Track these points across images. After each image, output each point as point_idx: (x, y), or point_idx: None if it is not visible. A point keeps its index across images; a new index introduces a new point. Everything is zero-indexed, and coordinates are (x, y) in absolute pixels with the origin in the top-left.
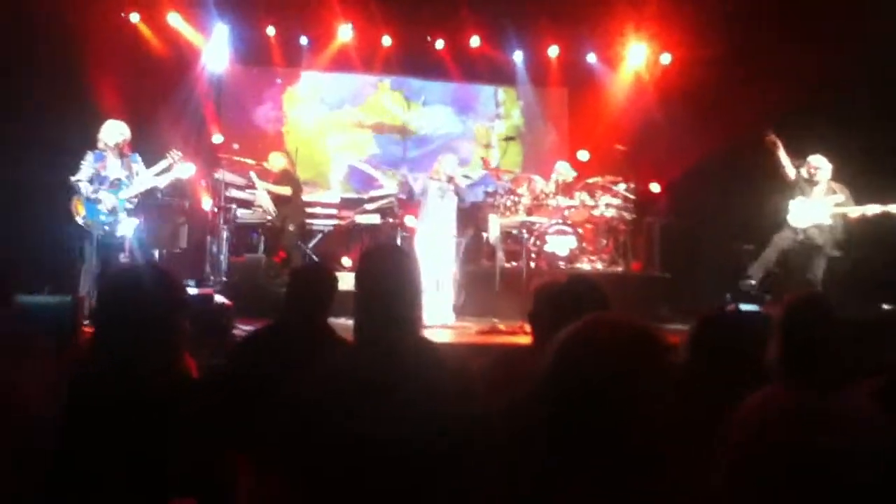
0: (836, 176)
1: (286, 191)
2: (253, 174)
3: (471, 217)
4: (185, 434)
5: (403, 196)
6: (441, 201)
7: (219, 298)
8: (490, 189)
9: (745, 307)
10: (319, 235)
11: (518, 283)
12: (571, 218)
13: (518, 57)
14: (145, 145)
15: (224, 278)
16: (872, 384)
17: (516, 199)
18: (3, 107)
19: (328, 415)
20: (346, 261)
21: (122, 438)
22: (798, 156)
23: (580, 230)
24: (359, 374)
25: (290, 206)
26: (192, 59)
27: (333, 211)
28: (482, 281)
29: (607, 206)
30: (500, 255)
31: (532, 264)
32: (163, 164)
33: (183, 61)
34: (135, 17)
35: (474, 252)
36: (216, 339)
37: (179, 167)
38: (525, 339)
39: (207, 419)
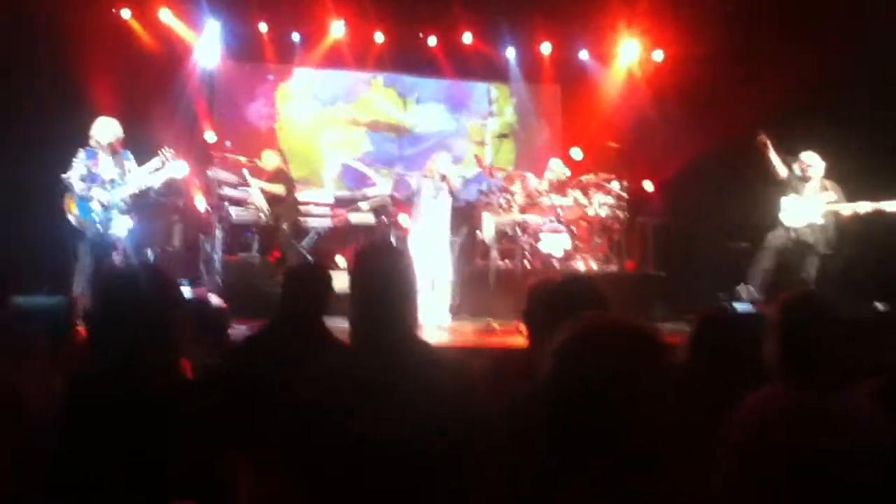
0: (831, 174)
1: (280, 189)
2: (246, 172)
3: (465, 216)
4: (184, 434)
5: (398, 195)
6: (435, 200)
7: (213, 298)
8: (483, 187)
9: (739, 307)
10: (314, 234)
11: (513, 283)
12: (565, 216)
13: (511, 54)
14: (137, 143)
15: (218, 278)
16: (871, 384)
17: (510, 197)
18: None
19: (325, 415)
20: (341, 260)
21: (120, 439)
22: (793, 153)
23: (574, 229)
24: (355, 375)
25: (283, 204)
26: (184, 56)
27: (327, 210)
28: (477, 280)
29: (601, 204)
30: (495, 254)
31: (526, 263)
32: (155, 163)
33: (174, 58)
34: (126, 14)
35: (469, 251)
36: (211, 339)
37: (172, 165)
38: (520, 340)
39: (205, 419)
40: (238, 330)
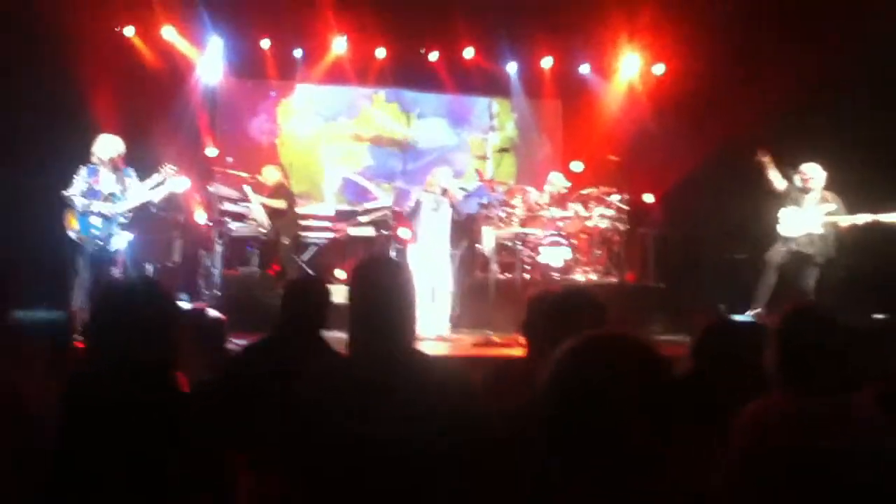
0: (832, 183)
1: (281, 204)
2: (247, 187)
3: (465, 229)
4: (181, 447)
5: (399, 208)
6: (436, 213)
7: (212, 312)
8: (484, 201)
9: (738, 318)
10: (314, 248)
11: (513, 295)
12: (566, 229)
13: (512, 68)
14: (139, 159)
15: (218, 292)
16: (871, 391)
17: (510, 210)
18: None
19: (324, 415)
20: (341, 273)
21: (118, 441)
22: (793, 161)
23: (574, 241)
24: (354, 376)
25: (284, 219)
26: (187, 73)
27: (328, 223)
28: (477, 293)
29: (601, 216)
30: (495, 266)
31: (526, 276)
32: (157, 179)
33: (177, 75)
34: (129, 31)
35: (468, 264)
36: (210, 353)
37: (173, 181)
38: (519, 352)
39: (204, 421)
40: (237, 344)
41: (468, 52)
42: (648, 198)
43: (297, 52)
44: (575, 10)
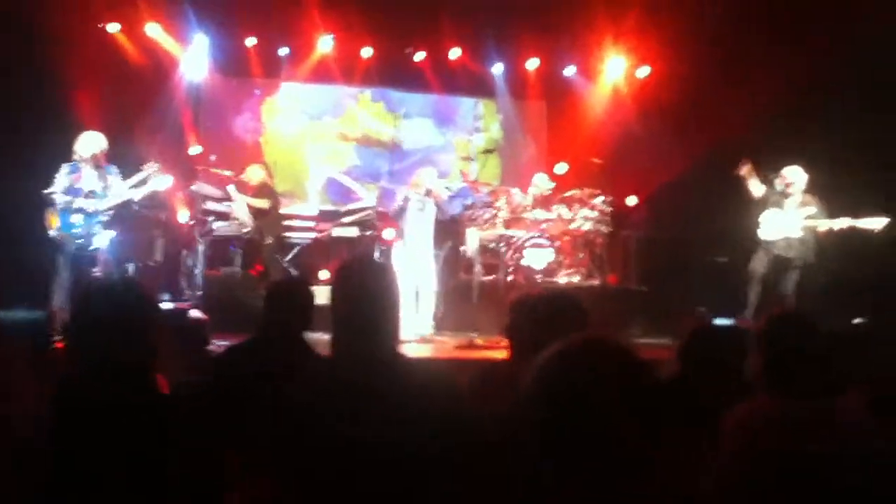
0: (813, 187)
1: (264, 204)
2: (231, 187)
3: (449, 230)
4: (171, 450)
5: (383, 209)
6: (421, 214)
7: (194, 312)
8: (469, 202)
9: (719, 321)
10: (297, 248)
11: (496, 297)
12: (549, 231)
13: (497, 69)
14: (122, 156)
15: (200, 292)
16: (857, 395)
17: (494, 212)
18: None
19: (313, 418)
20: (324, 274)
21: (109, 455)
22: (776, 166)
23: (558, 243)
24: (341, 379)
25: (267, 218)
26: (171, 70)
27: (311, 223)
28: (460, 294)
29: (585, 219)
30: (478, 268)
31: (510, 277)
32: (139, 176)
33: (161, 72)
34: (113, 28)
35: (452, 265)
36: (191, 354)
37: (156, 179)
38: (503, 354)
39: (191, 435)
40: (219, 345)
41: (454, 53)
42: (632, 200)
43: (283, 51)
44: (561, 12)
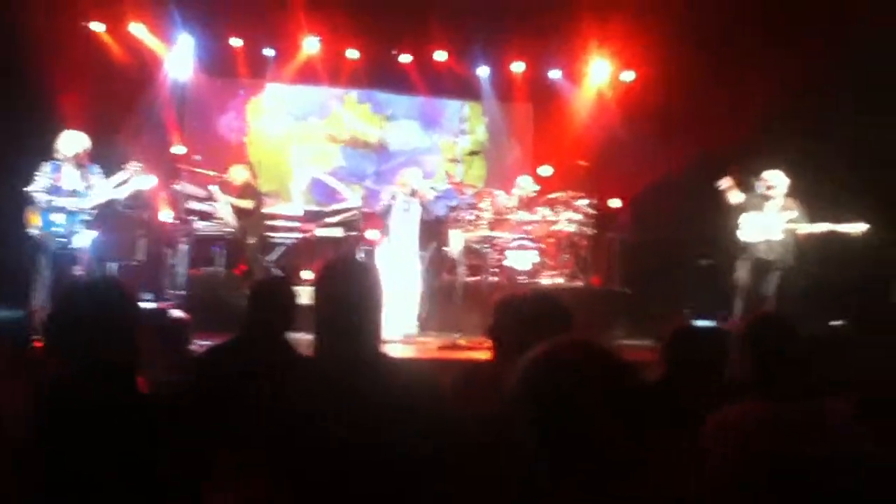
0: (794, 191)
1: (248, 204)
2: (214, 187)
3: (433, 231)
4: (147, 448)
5: (368, 209)
6: (406, 214)
7: (176, 312)
8: (453, 203)
9: (700, 323)
10: (281, 248)
11: (480, 298)
12: (533, 233)
13: (483, 72)
14: (105, 156)
15: (183, 292)
16: (845, 397)
17: (479, 213)
18: None
19: (291, 424)
20: (307, 274)
21: (100, 456)
22: (757, 170)
23: (542, 245)
24: (319, 387)
25: (251, 219)
26: (155, 70)
27: (295, 224)
28: (444, 295)
29: (569, 221)
30: (462, 269)
31: (494, 279)
32: (122, 176)
33: (145, 71)
34: (97, 27)
35: (436, 266)
36: (173, 353)
37: (139, 179)
38: (486, 355)
39: (170, 432)
40: (201, 345)
41: (440, 56)
42: (615, 203)
43: (269, 52)
44: (546, 16)
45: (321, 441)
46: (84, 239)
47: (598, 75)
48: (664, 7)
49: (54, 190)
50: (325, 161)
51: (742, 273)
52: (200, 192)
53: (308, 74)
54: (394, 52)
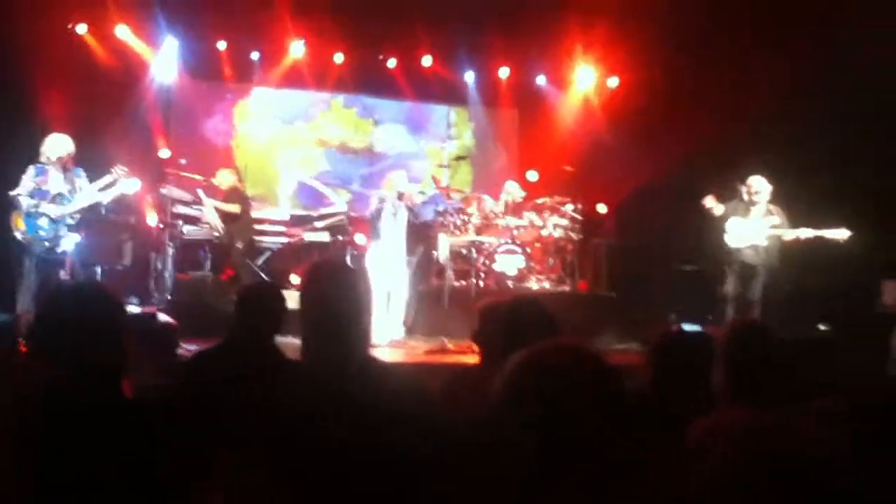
0: (776, 198)
1: (234, 208)
2: (201, 191)
3: (421, 236)
4: (135, 453)
5: (355, 213)
6: (393, 218)
7: (162, 317)
8: (440, 208)
9: (687, 327)
10: (268, 253)
11: (467, 302)
12: (520, 237)
13: (470, 77)
14: (90, 159)
15: (169, 296)
16: (834, 402)
17: (466, 218)
18: None
19: (280, 429)
20: (295, 279)
21: (74, 459)
22: (742, 175)
23: (528, 250)
24: (308, 391)
25: (238, 223)
26: (141, 73)
27: (282, 228)
28: (431, 299)
29: (555, 226)
30: (450, 273)
31: (481, 283)
32: (107, 180)
33: (131, 74)
34: (82, 29)
35: (424, 270)
36: (160, 358)
37: (124, 183)
38: (473, 359)
39: (157, 437)
40: (188, 350)
41: (426, 61)
42: (602, 208)
43: (255, 55)
44: (532, 22)
45: (310, 445)
46: (69, 243)
47: (584, 81)
48: (649, 13)
49: (39, 193)
50: (312, 165)
51: (729, 287)
52: (187, 196)
53: (295, 78)
54: (380, 57)
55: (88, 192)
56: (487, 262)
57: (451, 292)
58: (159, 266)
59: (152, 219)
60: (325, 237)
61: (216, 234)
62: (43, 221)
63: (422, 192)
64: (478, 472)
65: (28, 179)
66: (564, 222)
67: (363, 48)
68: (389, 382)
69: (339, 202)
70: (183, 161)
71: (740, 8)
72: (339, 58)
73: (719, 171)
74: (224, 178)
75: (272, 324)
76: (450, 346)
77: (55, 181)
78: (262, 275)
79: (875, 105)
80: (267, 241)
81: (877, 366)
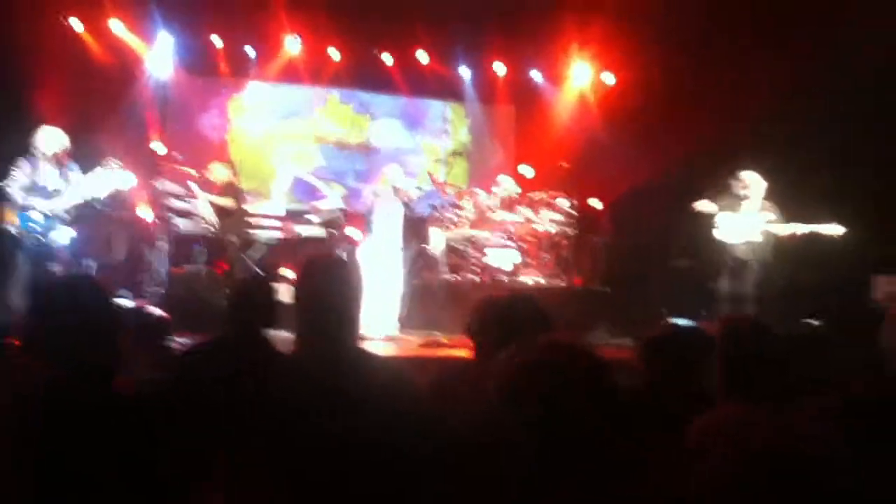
0: (770, 195)
1: (229, 202)
2: (194, 185)
3: (415, 230)
4: (131, 447)
5: (350, 208)
6: (388, 213)
7: (155, 311)
8: (436, 203)
9: (680, 323)
10: (262, 247)
11: (461, 297)
12: (515, 232)
13: (466, 73)
14: (84, 154)
15: (163, 290)
16: (830, 399)
17: (460, 213)
18: None
19: (273, 422)
20: (289, 273)
21: (98, 457)
22: (735, 170)
23: (523, 244)
24: (300, 384)
25: (232, 217)
26: (135, 67)
27: (277, 223)
28: (425, 294)
29: (550, 221)
30: (444, 268)
31: (475, 278)
32: (101, 174)
33: (125, 69)
34: (76, 23)
35: (418, 265)
36: (152, 352)
37: (118, 177)
38: (466, 353)
39: (151, 432)
40: (181, 343)
41: (423, 56)
42: (596, 204)
43: (250, 51)
44: (528, 18)
45: (303, 438)
46: (62, 237)
47: (580, 78)
48: (645, 10)
49: (32, 188)
50: (307, 160)
51: (723, 286)
52: (181, 191)
53: (290, 73)
54: (375, 52)
55: (82, 187)
56: (481, 256)
57: (446, 287)
58: (153, 260)
59: (146, 213)
60: (319, 232)
61: (211, 228)
62: (36, 216)
63: (419, 188)
64: (477, 472)
65: (20, 173)
66: (559, 217)
67: (359, 44)
68: (382, 376)
69: (333, 196)
70: (177, 155)
71: (740, 7)
72: (334, 53)
73: (718, 170)
74: (218, 173)
75: (265, 318)
76: (443, 339)
77: (49, 176)
78: (257, 269)
79: (875, 105)
80: (261, 235)
81: (868, 361)
